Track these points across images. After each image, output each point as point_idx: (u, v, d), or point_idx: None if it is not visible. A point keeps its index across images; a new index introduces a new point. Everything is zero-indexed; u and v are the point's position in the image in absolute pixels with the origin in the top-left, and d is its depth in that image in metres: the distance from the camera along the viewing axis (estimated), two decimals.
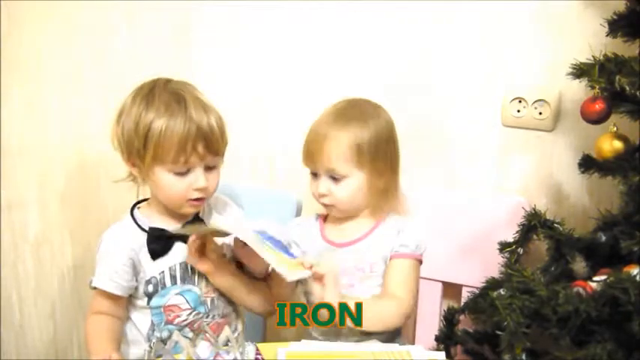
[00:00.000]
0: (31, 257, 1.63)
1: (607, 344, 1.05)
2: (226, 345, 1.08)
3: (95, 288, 1.27)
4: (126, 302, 1.29)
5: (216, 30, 1.65)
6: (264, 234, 1.22)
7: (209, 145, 1.21)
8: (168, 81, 1.27)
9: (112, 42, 1.67)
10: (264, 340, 1.54)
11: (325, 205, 1.34)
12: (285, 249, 1.23)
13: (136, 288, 1.28)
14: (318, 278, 1.18)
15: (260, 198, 1.55)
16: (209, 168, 1.25)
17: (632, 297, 1.02)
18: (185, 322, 1.29)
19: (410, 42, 1.56)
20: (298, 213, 1.52)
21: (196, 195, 1.24)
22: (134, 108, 1.22)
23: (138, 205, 1.33)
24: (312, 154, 1.30)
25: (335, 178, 1.30)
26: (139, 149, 1.21)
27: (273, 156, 1.68)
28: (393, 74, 1.58)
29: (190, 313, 1.29)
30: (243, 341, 1.09)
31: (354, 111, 1.32)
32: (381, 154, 1.31)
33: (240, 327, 1.39)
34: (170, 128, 1.18)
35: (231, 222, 1.33)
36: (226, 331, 1.08)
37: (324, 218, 1.39)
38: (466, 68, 1.54)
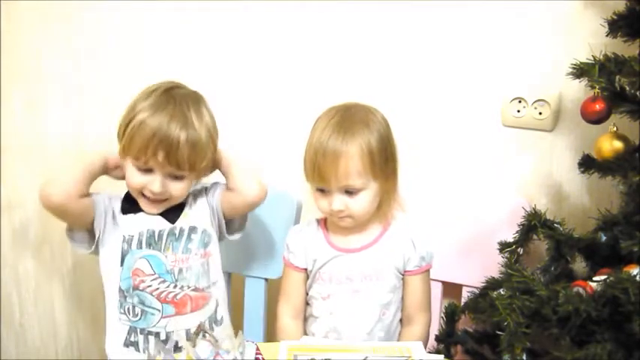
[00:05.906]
0: (31, 257, 1.63)
1: (607, 344, 1.05)
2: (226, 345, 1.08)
3: None
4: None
5: (218, 31, 1.65)
6: None
7: (170, 156, 1.24)
8: (179, 86, 1.31)
9: (112, 42, 1.67)
10: (264, 340, 1.54)
11: (339, 218, 1.29)
12: None
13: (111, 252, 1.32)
14: None
15: None
16: (175, 177, 1.28)
17: (632, 297, 1.02)
18: (150, 289, 1.31)
19: (410, 42, 1.57)
20: (298, 213, 1.52)
21: (149, 195, 1.29)
22: (136, 98, 1.29)
23: None
24: (323, 173, 1.23)
25: (350, 192, 1.25)
26: (120, 135, 1.29)
27: (273, 156, 1.68)
28: (393, 74, 1.59)
29: (155, 280, 1.31)
30: (244, 341, 1.09)
31: (353, 119, 1.26)
32: (389, 156, 1.28)
33: (222, 307, 1.36)
34: (143, 127, 1.24)
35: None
36: (226, 331, 1.08)
37: (325, 222, 1.36)
38: (466, 68, 1.54)
